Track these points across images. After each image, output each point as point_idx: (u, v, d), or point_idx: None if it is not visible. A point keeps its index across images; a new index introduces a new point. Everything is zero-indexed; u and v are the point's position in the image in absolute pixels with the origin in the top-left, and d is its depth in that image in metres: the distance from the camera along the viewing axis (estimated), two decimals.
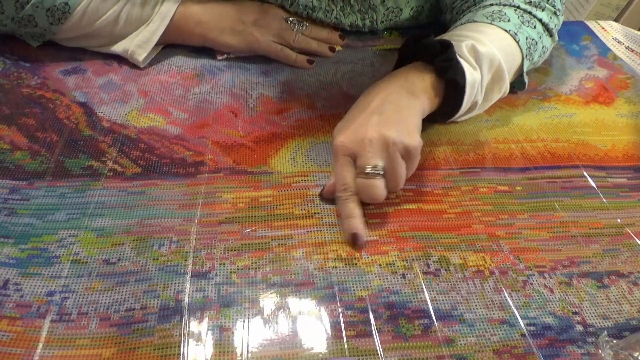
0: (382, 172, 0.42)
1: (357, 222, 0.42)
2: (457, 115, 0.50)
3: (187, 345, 0.35)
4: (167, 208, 0.44)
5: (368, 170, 0.42)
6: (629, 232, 0.45)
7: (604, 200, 0.48)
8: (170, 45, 0.61)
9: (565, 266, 0.42)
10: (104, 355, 0.34)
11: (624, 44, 0.70)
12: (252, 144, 0.51)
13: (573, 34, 0.71)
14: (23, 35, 0.57)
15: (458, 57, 0.46)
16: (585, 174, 0.50)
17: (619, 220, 0.46)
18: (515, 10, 0.55)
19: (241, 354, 0.34)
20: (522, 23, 0.54)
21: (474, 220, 0.45)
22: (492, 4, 0.56)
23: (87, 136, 0.49)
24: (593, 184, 0.49)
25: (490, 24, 0.52)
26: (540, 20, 0.55)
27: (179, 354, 0.34)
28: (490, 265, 0.41)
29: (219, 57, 0.61)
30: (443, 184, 0.48)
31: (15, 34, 0.57)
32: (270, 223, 0.43)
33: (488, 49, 0.49)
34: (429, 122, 0.51)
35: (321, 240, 0.42)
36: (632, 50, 0.69)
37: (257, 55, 0.61)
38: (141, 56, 0.57)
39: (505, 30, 0.52)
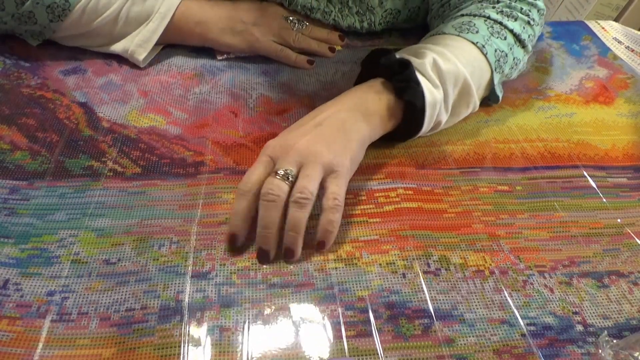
0: (291, 179, 0.40)
1: (238, 221, 0.40)
2: (418, 135, 0.49)
3: (187, 346, 0.35)
4: (167, 208, 0.44)
5: (280, 172, 0.40)
6: (629, 231, 0.45)
7: (604, 200, 0.48)
8: (170, 45, 0.61)
9: (565, 266, 0.42)
10: (104, 355, 0.34)
11: (624, 43, 0.70)
12: (252, 144, 0.51)
13: (573, 34, 0.71)
14: (23, 34, 0.57)
15: (419, 75, 0.45)
16: (585, 173, 0.50)
17: (619, 220, 0.46)
18: (485, 20, 0.53)
19: (241, 355, 0.34)
20: (492, 34, 0.52)
21: (474, 219, 0.45)
22: (462, 14, 0.55)
23: (87, 136, 0.49)
24: (593, 184, 0.49)
25: (458, 35, 0.51)
26: (511, 31, 0.53)
27: (179, 354, 0.34)
28: (491, 265, 0.41)
29: (219, 57, 0.61)
30: (443, 184, 0.48)
31: (15, 32, 0.57)
32: None
33: (452, 65, 0.47)
34: (388, 141, 0.49)
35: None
36: (632, 50, 0.69)
37: (257, 56, 0.61)
38: (141, 55, 0.57)
39: (473, 43, 0.50)
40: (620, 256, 0.43)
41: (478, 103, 0.52)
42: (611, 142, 0.55)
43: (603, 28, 0.73)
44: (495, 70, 0.52)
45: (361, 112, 0.45)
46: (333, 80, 0.60)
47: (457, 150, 0.52)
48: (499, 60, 0.52)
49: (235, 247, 0.41)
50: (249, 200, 0.40)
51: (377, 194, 0.46)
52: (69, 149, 0.48)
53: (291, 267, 0.40)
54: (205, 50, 0.61)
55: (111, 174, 0.46)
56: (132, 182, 0.46)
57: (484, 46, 0.51)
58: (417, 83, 0.45)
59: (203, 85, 0.57)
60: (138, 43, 0.57)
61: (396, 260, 0.41)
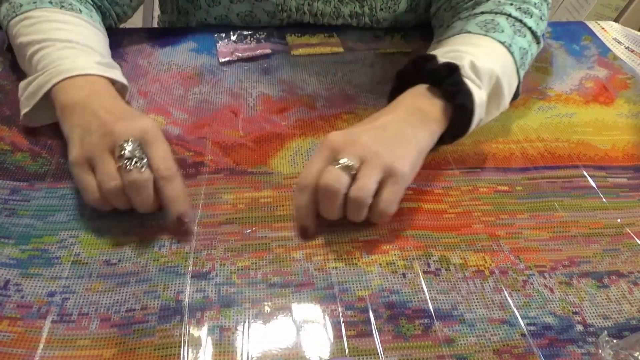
0: (352, 172, 0.39)
1: (304, 215, 0.42)
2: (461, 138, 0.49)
3: (188, 346, 0.35)
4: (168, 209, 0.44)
5: (341, 162, 0.39)
6: (629, 232, 0.45)
7: (604, 200, 0.48)
8: (170, 44, 0.61)
9: (565, 266, 0.42)
10: (105, 355, 0.34)
11: (623, 44, 0.70)
12: (252, 144, 0.51)
13: (573, 34, 0.72)
14: None
15: (464, 79, 0.45)
16: (585, 173, 0.50)
17: (619, 220, 0.46)
18: (507, 18, 0.53)
19: (241, 354, 0.35)
20: (514, 33, 0.52)
21: (474, 220, 0.45)
22: (483, 12, 0.54)
23: None
24: (593, 184, 0.49)
25: (485, 35, 0.51)
26: (529, 29, 0.54)
27: (179, 354, 0.34)
28: (491, 265, 0.41)
29: (222, 60, 0.61)
30: (443, 184, 0.48)
31: None
32: (271, 224, 0.43)
33: (487, 66, 0.47)
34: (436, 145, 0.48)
35: (321, 241, 0.42)
36: (632, 51, 0.69)
37: (257, 55, 0.61)
38: (24, 109, 0.46)
39: (501, 42, 0.50)
40: (620, 256, 0.43)
41: (508, 104, 0.51)
42: (611, 142, 0.55)
43: (603, 28, 0.73)
44: (520, 68, 0.52)
45: (418, 120, 0.44)
46: (333, 80, 0.60)
47: (457, 150, 0.52)
48: (522, 58, 0.52)
49: (308, 238, 0.42)
50: (309, 193, 0.41)
51: None
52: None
53: (291, 266, 0.40)
54: (205, 50, 0.61)
55: None
56: None
57: (510, 45, 0.51)
58: (466, 85, 0.45)
59: (203, 85, 0.57)
60: (27, 95, 0.46)
61: (396, 260, 0.41)
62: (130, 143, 0.39)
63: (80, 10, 0.52)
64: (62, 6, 0.51)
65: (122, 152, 0.39)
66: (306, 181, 0.41)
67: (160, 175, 0.40)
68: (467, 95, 0.44)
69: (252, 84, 0.58)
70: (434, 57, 0.47)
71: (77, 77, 0.44)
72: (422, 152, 0.44)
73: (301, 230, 0.42)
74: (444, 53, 0.49)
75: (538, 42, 0.56)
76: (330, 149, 0.41)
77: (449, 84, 0.45)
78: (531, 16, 0.54)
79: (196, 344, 0.35)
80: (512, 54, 0.50)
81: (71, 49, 0.47)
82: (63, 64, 0.45)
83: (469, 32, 0.52)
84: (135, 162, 0.39)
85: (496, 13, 0.54)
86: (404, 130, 0.43)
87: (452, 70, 0.45)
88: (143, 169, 0.39)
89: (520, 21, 0.53)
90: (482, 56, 0.48)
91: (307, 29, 0.66)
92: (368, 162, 0.40)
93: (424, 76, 0.46)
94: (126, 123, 0.41)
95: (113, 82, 0.48)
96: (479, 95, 0.45)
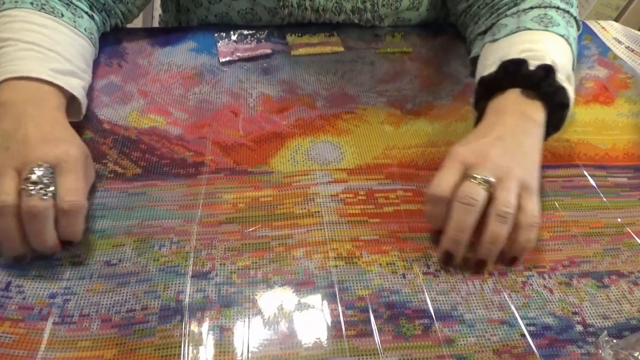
0: (489, 186, 0.39)
1: (439, 224, 0.41)
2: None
3: (188, 346, 0.35)
4: (168, 209, 0.44)
5: (478, 177, 0.39)
6: (630, 231, 0.45)
7: (605, 199, 0.48)
8: (170, 44, 0.61)
9: (565, 266, 0.42)
10: (106, 356, 0.34)
11: (624, 43, 0.70)
12: (252, 144, 0.51)
13: None
14: None
15: (558, 77, 0.45)
16: (585, 173, 0.50)
17: (619, 219, 0.46)
18: (557, 11, 0.54)
19: (242, 354, 0.35)
20: (567, 24, 0.53)
21: None
22: (532, 7, 0.55)
23: (87, 139, 0.49)
24: (593, 183, 0.49)
25: (545, 30, 0.51)
26: (574, 18, 0.55)
27: (179, 354, 0.34)
28: (490, 266, 0.41)
29: (222, 59, 0.61)
30: None
31: None
32: (271, 223, 0.43)
33: (559, 60, 0.47)
34: None
35: (321, 239, 0.42)
36: (632, 50, 0.69)
37: (257, 55, 0.61)
38: None
39: (561, 36, 0.51)
40: (621, 256, 0.43)
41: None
42: (611, 142, 0.55)
43: (603, 28, 0.73)
44: (575, 58, 0.53)
45: (529, 126, 0.44)
46: (333, 79, 0.60)
47: None
48: (576, 48, 0.53)
49: (450, 264, 0.41)
50: (444, 205, 0.40)
51: (377, 194, 0.46)
52: None
53: (292, 265, 0.40)
54: (205, 50, 0.61)
55: (112, 175, 0.46)
56: (132, 183, 0.46)
57: (568, 38, 0.52)
58: (561, 84, 0.45)
59: (203, 85, 0.57)
60: None
61: (396, 260, 0.41)
62: (42, 169, 0.37)
63: (62, 14, 0.51)
64: (43, 8, 0.49)
65: (29, 176, 0.36)
66: (441, 193, 0.40)
67: (61, 207, 0.37)
68: (564, 93, 0.45)
69: (252, 84, 0.58)
70: (524, 61, 0.46)
71: (22, 80, 0.43)
72: (539, 159, 0.44)
73: (445, 256, 0.41)
74: (519, 53, 0.49)
75: (578, 29, 0.57)
76: (461, 162, 0.41)
77: (548, 85, 0.45)
78: (572, 5, 0.56)
79: (196, 343, 0.35)
80: (570, 45, 0.51)
81: (31, 51, 0.45)
82: (16, 64, 0.44)
83: (529, 29, 0.52)
84: (41, 188, 0.36)
85: (545, 7, 0.54)
86: (522, 140, 0.43)
87: (548, 71, 0.45)
88: (46, 197, 0.36)
89: (567, 12, 0.55)
90: (554, 52, 0.48)
91: (307, 29, 0.66)
92: (505, 177, 0.40)
93: (517, 80, 0.46)
94: (46, 147, 0.38)
95: (75, 94, 0.46)
96: (571, 91, 0.46)
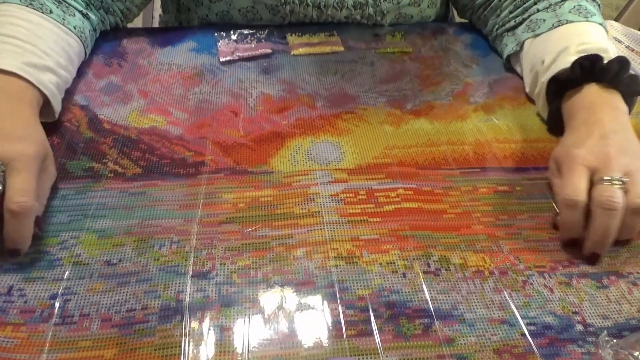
0: (623, 183, 0.40)
1: (577, 230, 0.42)
2: None
3: (188, 345, 0.35)
4: (168, 208, 0.44)
5: (614, 179, 0.40)
6: None
7: None
8: (170, 44, 0.61)
9: (565, 266, 0.42)
10: (106, 356, 0.34)
11: (624, 43, 0.70)
12: (252, 144, 0.51)
13: None
14: None
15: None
16: None
17: None
18: (586, 1, 0.56)
19: (242, 354, 0.35)
20: (598, 12, 0.55)
21: (474, 220, 0.45)
22: (562, 0, 0.57)
23: (88, 138, 0.50)
24: None
25: (587, 21, 0.53)
26: (599, 5, 0.57)
27: (179, 354, 0.34)
28: (490, 265, 0.41)
29: (222, 59, 0.61)
30: (443, 184, 0.48)
31: None
32: (271, 223, 0.43)
33: (612, 47, 0.50)
34: None
35: (321, 239, 0.42)
36: (633, 50, 0.69)
37: (258, 54, 0.61)
38: None
39: (600, 24, 0.53)
40: (620, 257, 0.43)
41: None
42: None
43: None
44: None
45: (623, 118, 0.46)
46: (333, 79, 0.60)
47: (457, 150, 0.52)
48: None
49: (597, 261, 0.42)
50: (581, 208, 0.41)
51: (378, 194, 0.46)
52: (70, 151, 0.48)
53: (292, 265, 0.40)
54: (205, 50, 0.61)
55: (112, 175, 0.46)
56: (132, 183, 0.46)
57: (604, 25, 0.54)
58: (633, 73, 0.47)
59: (203, 85, 0.57)
60: None
61: (396, 260, 0.41)
62: None
63: (50, 11, 0.50)
64: (31, 4, 0.49)
65: None
66: (577, 198, 0.41)
67: (8, 208, 0.35)
68: (637, 80, 0.48)
69: (252, 84, 0.58)
70: (599, 57, 0.48)
71: None
72: None
73: (592, 257, 0.42)
74: (577, 46, 0.51)
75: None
76: (586, 166, 0.42)
77: (625, 77, 0.47)
78: None
79: (197, 343, 0.35)
80: (607, 32, 0.54)
81: (7, 45, 0.45)
82: None
83: (572, 22, 0.54)
84: None
85: None
86: (625, 134, 0.45)
87: (623, 63, 0.47)
88: None
89: (594, 0, 0.57)
90: (604, 42, 0.51)
91: (307, 28, 0.66)
92: (633, 173, 0.41)
93: (593, 75, 0.48)
94: (1, 144, 0.37)
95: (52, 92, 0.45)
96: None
